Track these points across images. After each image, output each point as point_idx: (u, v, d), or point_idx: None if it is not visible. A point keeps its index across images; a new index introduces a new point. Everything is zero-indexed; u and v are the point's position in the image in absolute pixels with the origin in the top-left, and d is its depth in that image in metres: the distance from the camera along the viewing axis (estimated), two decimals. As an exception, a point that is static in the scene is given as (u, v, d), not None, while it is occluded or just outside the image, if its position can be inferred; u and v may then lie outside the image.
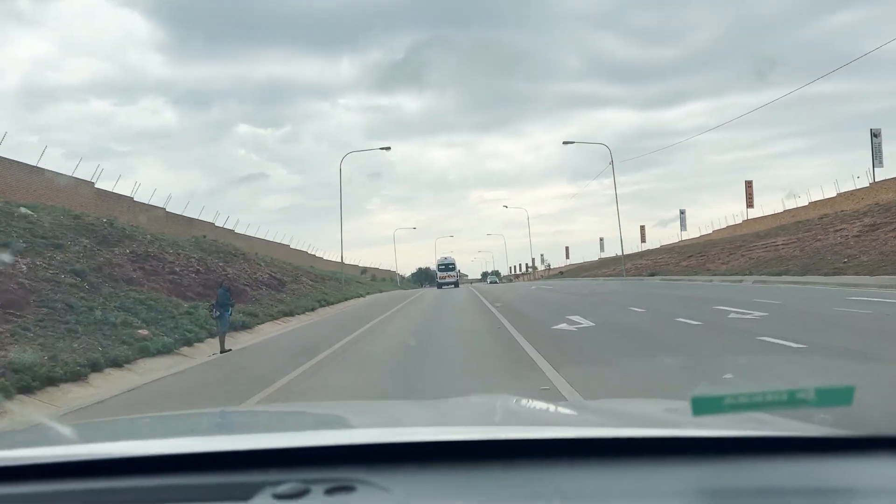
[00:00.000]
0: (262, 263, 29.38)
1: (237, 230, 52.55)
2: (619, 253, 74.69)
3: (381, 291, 49.64)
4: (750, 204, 55.97)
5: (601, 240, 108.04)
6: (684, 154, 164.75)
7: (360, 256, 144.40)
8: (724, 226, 62.35)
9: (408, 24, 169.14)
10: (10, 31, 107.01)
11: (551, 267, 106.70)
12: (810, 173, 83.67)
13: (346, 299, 33.73)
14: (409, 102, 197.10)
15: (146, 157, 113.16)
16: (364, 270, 79.24)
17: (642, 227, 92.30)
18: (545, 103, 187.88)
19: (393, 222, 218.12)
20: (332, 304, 29.93)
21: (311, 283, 33.81)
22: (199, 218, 46.32)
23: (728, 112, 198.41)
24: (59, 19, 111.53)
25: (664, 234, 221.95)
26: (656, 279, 38.60)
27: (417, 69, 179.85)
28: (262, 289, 25.86)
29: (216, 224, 49.00)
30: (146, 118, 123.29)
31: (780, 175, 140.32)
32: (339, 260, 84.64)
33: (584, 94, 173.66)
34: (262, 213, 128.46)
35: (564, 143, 45.70)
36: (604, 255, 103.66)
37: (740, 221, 58.17)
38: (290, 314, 23.05)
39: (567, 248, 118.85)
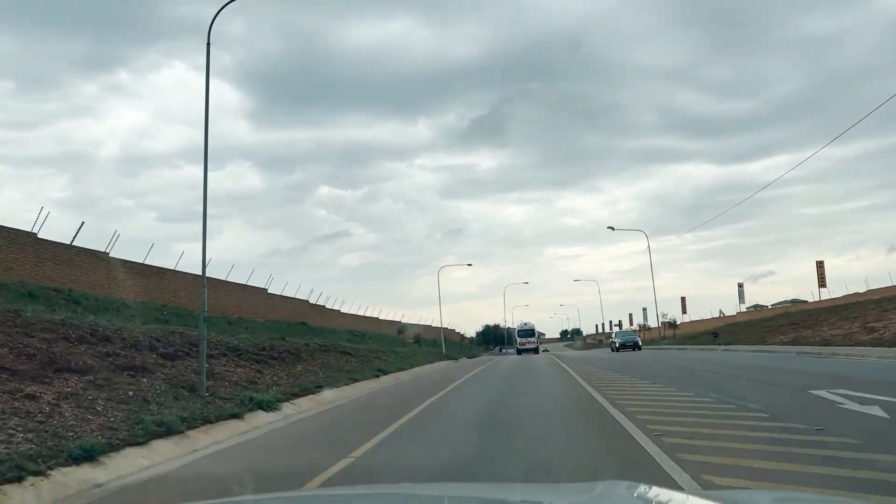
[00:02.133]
0: None
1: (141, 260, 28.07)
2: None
3: (380, 374, 22.85)
4: None
5: (740, 286, 79.04)
6: (768, 208, 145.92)
7: (434, 315, 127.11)
8: None
9: (480, 86, 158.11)
10: (112, 102, 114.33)
11: (677, 323, 76.99)
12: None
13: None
14: (483, 160, 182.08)
15: (233, 220, 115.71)
16: (402, 329, 53.33)
17: (819, 263, 62.61)
18: (621, 158, 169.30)
19: (467, 278, 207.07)
20: None
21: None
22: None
23: (812, 164, 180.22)
24: (155, 90, 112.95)
25: (758, 291, 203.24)
26: None
27: (491, 128, 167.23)
28: None
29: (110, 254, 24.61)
30: (233, 182, 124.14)
31: (874, 228, 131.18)
32: (392, 318, 57.89)
33: (661, 149, 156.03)
34: (341, 270, 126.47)
35: None
36: (743, 307, 75.40)
37: None
38: None
39: (683, 300, 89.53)
